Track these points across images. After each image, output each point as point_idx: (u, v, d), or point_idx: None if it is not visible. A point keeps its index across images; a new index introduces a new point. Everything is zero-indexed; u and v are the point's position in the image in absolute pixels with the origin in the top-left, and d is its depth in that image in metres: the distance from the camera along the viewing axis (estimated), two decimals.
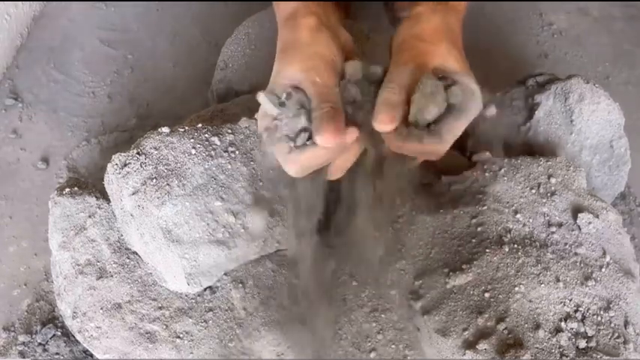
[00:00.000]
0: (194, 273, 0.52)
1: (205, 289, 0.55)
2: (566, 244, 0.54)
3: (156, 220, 0.50)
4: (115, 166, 0.52)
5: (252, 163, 0.53)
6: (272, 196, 0.54)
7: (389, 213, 0.62)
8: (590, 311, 0.50)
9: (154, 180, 0.50)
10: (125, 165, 0.51)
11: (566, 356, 0.48)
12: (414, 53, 0.47)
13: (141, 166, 0.51)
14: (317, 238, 0.61)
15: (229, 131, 0.54)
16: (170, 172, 0.51)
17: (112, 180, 0.53)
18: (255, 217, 0.53)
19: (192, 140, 0.52)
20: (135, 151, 0.52)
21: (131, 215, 0.52)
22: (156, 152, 0.52)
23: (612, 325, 0.50)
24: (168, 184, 0.50)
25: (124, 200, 0.51)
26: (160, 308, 0.54)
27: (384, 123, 0.43)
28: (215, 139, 0.53)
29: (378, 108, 0.44)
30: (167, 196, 0.49)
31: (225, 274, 0.56)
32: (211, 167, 0.52)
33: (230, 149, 0.53)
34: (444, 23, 0.50)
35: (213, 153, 0.52)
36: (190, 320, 0.53)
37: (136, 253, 0.56)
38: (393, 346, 0.56)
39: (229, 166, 0.52)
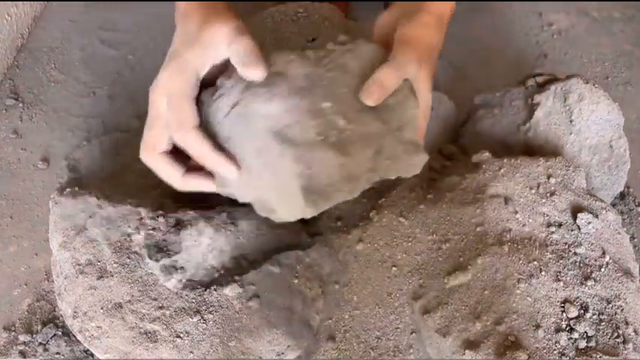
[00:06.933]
0: (310, 187, 0.47)
1: (206, 289, 0.55)
2: (565, 243, 0.54)
3: (264, 122, 0.47)
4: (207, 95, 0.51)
5: (348, 74, 0.51)
6: (380, 106, 0.51)
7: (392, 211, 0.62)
8: (589, 311, 0.51)
9: (253, 84, 0.49)
10: (217, 91, 0.50)
11: (566, 356, 0.48)
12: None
13: (236, 82, 0.50)
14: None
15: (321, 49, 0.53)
16: (271, 74, 0.49)
17: (208, 113, 0.51)
18: (367, 122, 0.50)
19: (287, 51, 0.52)
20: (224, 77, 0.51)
21: (228, 136, 0.49)
22: None
23: (612, 324, 0.50)
24: (273, 83, 0.48)
25: (218, 126, 0.49)
26: (161, 308, 0.54)
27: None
28: (310, 53, 0.52)
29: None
30: (273, 94, 0.48)
31: (226, 274, 0.57)
32: (311, 73, 0.50)
33: (325, 61, 0.51)
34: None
35: (308, 62, 0.51)
36: (191, 320, 0.53)
37: (137, 253, 0.56)
38: (391, 346, 0.56)
39: (328, 75, 0.50)
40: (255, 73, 0.49)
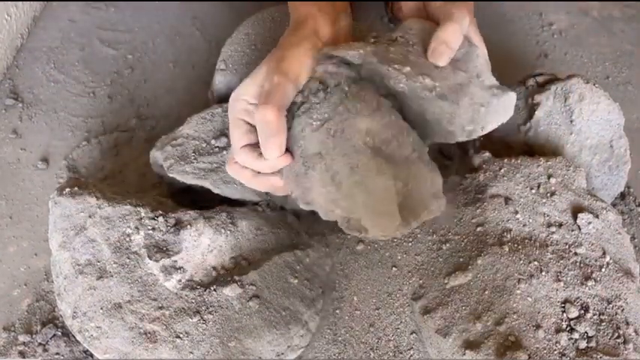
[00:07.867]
0: (405, 205, 0.46)
1: (205, 289, 0.55)
2: (566, 244, 0.54)
3: (361, 138, 0.45)
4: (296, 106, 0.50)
5: (412, 47, 0.51)
6: (452, 62, 0.52)
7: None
8: (590, 311, 0.51)
9: (347, 100, 0.47)
10: (303, 104, 0.49)
11: (567, 356, 0.48)
12: None
13: (325, 96, 0.48)
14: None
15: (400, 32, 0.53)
16: (358, 89, 0.48)
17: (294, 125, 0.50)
18: (450, 75, 0.50)
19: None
20: (314, 83, 0.50)
21: (317, 152, 0.47)
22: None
23: (612, 325, 0.50)
24: (363, 100, 0.47)
25: (305, 139, 0.48)
26: (160, 308, 0.54)
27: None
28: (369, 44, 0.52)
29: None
30: (367, 110, 0.46)
31: (226, 274, 0.57)
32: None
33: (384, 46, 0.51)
34: None
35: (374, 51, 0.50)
36: (190, 320, 0.53)
37: (137, 253, 0.56)
38: (391, 346, 0.56)
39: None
40: (267, 154, 0.50)
